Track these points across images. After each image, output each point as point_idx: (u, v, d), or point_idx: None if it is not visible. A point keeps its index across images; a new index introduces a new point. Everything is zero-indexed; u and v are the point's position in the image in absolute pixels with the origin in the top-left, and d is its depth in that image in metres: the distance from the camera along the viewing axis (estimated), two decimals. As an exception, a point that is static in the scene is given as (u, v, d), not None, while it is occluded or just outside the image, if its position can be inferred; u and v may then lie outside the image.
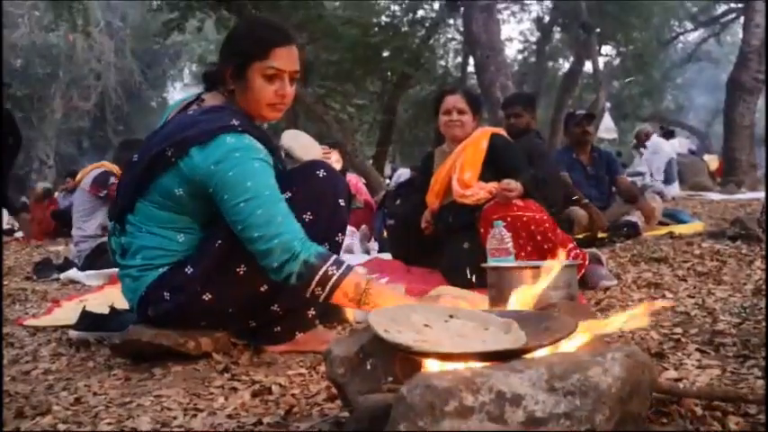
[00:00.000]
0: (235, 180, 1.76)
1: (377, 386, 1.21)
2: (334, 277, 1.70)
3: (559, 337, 1.19)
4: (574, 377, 0.98)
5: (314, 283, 1.70)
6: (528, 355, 1.13)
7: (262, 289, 1.92)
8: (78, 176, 5.03)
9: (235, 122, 1.85)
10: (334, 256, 1.75)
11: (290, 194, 1.91)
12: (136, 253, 1.94)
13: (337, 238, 2.00)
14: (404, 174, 10.44)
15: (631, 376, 1.02)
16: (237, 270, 1.87)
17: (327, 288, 1.71)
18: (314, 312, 2.06)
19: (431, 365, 1.20)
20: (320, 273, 1.70)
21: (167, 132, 1.92)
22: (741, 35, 12.39)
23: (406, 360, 1.24)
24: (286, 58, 1.92)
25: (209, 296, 1.89)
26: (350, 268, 1.74)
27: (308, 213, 1.91)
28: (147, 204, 1.92)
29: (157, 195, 1.89)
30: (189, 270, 1.89)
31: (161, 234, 1.92)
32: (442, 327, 1.31)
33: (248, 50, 1.91)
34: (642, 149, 9.51)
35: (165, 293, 1.90)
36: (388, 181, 11.35)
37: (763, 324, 1.96)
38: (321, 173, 1.98)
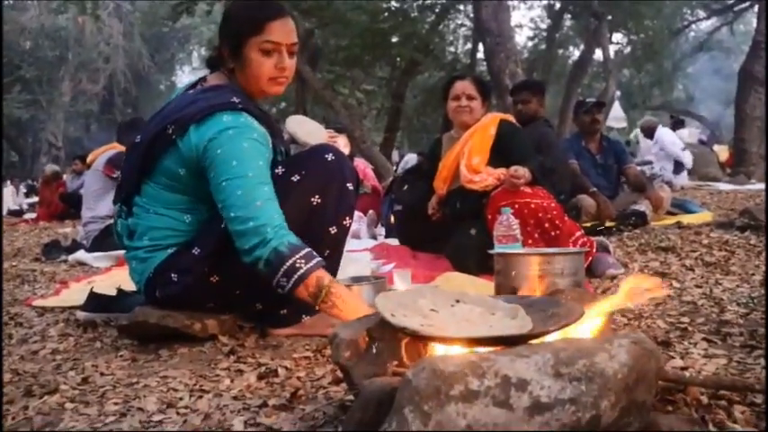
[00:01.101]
0: (222, 158, 1.76)
1: (382, 370, 1.21)
2: (301, 270, 1.68)
3: (566, 323, 1.18)
4: (580, 363, 0.97)
5: (280, 272, 1.69)
6: (534, 341, 1.13)
7: None
8: (90, 158, 5.04)
9: (234, 99, 1.85)
10: (307, 250, 1.72)
11: (298, 177, 1.91)
12: (143, 234, 1.95)
13: (345, 222, 2.00)
14: (411, 159, 10.42)
15: (638, 363, 1.01)
16: None
17: (292, 280, 1.69)
18: None
19: (437, 349, 1.21)
20: (288, 263, 1.68)
21: (167, 112, 1.94)
22: (755, 24, 12.25)
23: (412, 344, 1.24)
24: (281, 31, 1.91)
25: (217, 277, 1.89)
26: (319, 264, 1.72)
27: (316, 197, 1.92)
28: (152, 185, 1.93)
29: (162, 176, 1.91)
30: (196, 251, 1.89)
31: (168, 215, 1.92)
32: (448, 311, 1.31)
33: (243, 27, 1.90)
34: (645, 140, 9.41)
35: (173, 275, 1.91)
36: (395, 167, 11.33)
37: (771, 314, 1.95)
38: (329, 156, 1.98)
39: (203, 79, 2.04)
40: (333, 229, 1.96)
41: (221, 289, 1.92)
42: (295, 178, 1.92)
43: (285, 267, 1.69)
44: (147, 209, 1.95)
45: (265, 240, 1.69)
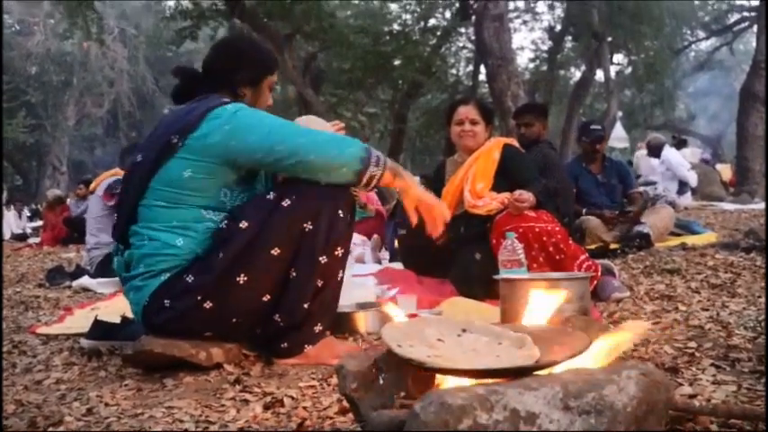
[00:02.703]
0: (251, 123, 1.92)
1: (390, 401, 1.21)
2: (381, 156, 1.98)
3: (573, 354, 1.17)
4: (589, 395, 0.97)
5: (372, 162, 1.93)
6: (542, 372, 1.12)
7: (264, 299, 1.93)
8: (93, 184, 5.06)
9: (226, 99, 2.01)
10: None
11: (288, 203, 1.90)
12: (138, 263, 1.96)
13: (336, 252, 1.97)
14: (414, 182, 10.34)
15: (647, 395, 1.00)
16: (238, 280, 1.88)
17: (381, 165, 1.95)
18: (321, 328, 2.02)
19: (444, 381, 1.20)
20: (374, 152, 1.97)
21: (166, 126, 2.01)
22: (754, 44, 12.32)
23: (419, 375, 1.23)
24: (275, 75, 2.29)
25: (210, 304, 1.89)
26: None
27: (308, 223, 1.91)
28: (149, 205, 1.94)
29: (162, 188, 1.92)
30: (190, 278, 1.90)
31: (161, 239, 1.92)
32: (455, 341, 1.30)
33: (266, 64, 2.21)
34: (647, 158, 9.38)
35: (166, 301, 1.91)
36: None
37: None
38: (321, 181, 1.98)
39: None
40: (323, 259, 1.95)
41: (216, 316, 1.92)
42: (285, 203, 1.91)
43: (374, 158, 1.94)
44: (142, 236, 1.95)
45: (352, 142, 1.95)
